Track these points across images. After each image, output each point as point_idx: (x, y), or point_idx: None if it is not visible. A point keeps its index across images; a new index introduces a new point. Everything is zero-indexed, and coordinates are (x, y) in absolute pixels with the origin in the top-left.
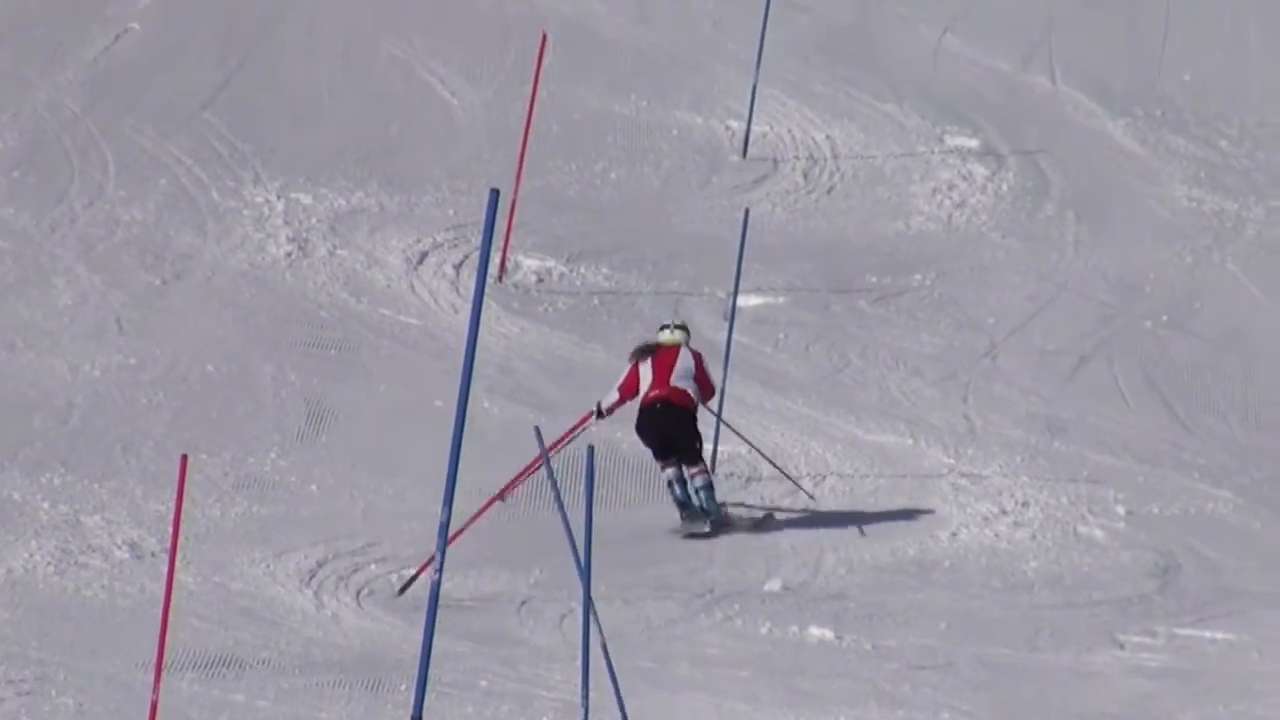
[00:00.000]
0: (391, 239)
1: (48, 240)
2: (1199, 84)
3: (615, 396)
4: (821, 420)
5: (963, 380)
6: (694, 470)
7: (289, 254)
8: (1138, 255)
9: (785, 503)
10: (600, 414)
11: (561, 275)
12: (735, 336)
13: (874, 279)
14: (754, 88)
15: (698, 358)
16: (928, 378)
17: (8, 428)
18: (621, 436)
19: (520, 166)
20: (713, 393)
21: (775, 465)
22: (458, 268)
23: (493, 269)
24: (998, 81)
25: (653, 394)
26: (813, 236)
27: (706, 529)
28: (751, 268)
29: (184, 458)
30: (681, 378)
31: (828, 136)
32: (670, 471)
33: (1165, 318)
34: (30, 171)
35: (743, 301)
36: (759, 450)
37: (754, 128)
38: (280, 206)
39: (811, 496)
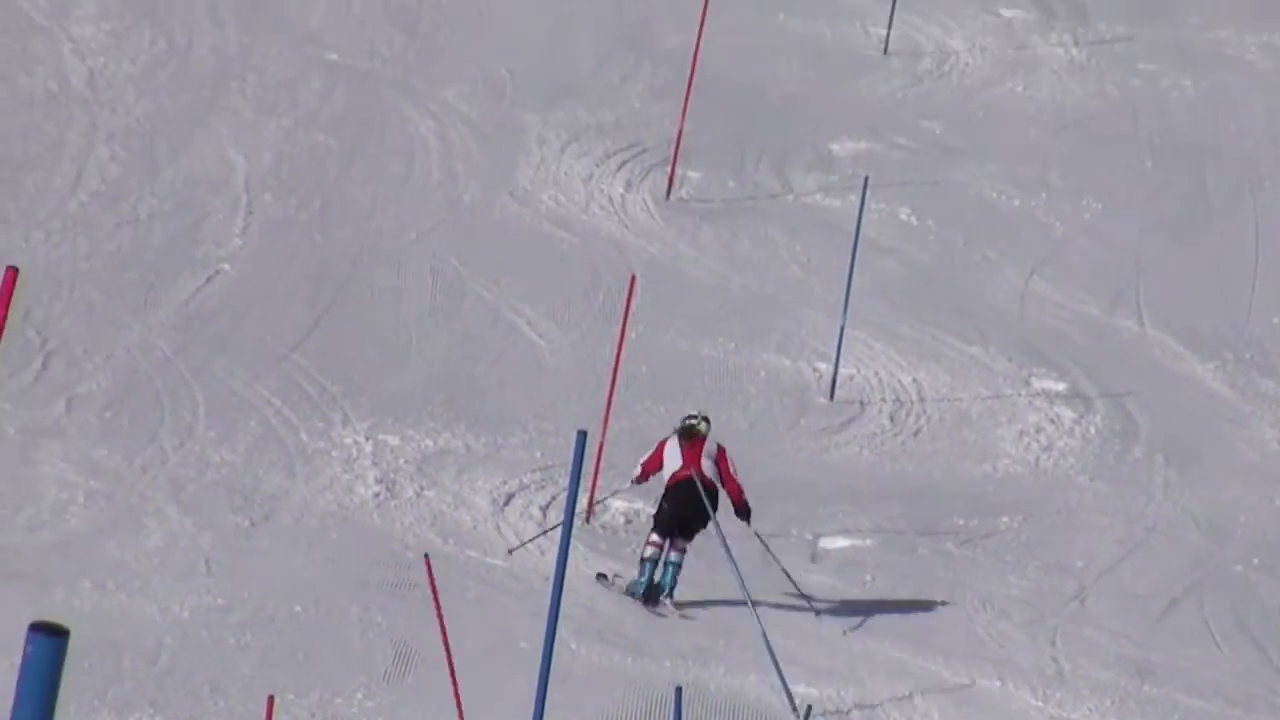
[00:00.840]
0: (479, 480)
1: (139, 481)
2: None
3: (638, 471)
4: (909, 663)
5: (1050, 623)
6: (684, 545)
7: (377, 495)
8: (1227, 498)
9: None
10: (635, 482)
11: (649, 518)
12: (822, 578)
13: (961, 521)
14: (841, 330)
15: (722, 451)
16: (1015, 620)
17: (97, 668)
18: (709, 677)
19: (608, 408)
20: (740, 495)
21: (778, 563)
22: (544, 509)
23: (580, 510)
24: (1085, 324)
25: (685, 472)
26: (900, 479)
27: (665, 606)
28: (839, 510)
29: (270, 699)
30: (708, 462)
31: (914, 379)
32: (650, 550)
33: (1256, 561)
34: (122, 412)
35: (829, 544)
36: (765, 544)
37: (841, 370)
38: (368, 448)
39: (815, 612)
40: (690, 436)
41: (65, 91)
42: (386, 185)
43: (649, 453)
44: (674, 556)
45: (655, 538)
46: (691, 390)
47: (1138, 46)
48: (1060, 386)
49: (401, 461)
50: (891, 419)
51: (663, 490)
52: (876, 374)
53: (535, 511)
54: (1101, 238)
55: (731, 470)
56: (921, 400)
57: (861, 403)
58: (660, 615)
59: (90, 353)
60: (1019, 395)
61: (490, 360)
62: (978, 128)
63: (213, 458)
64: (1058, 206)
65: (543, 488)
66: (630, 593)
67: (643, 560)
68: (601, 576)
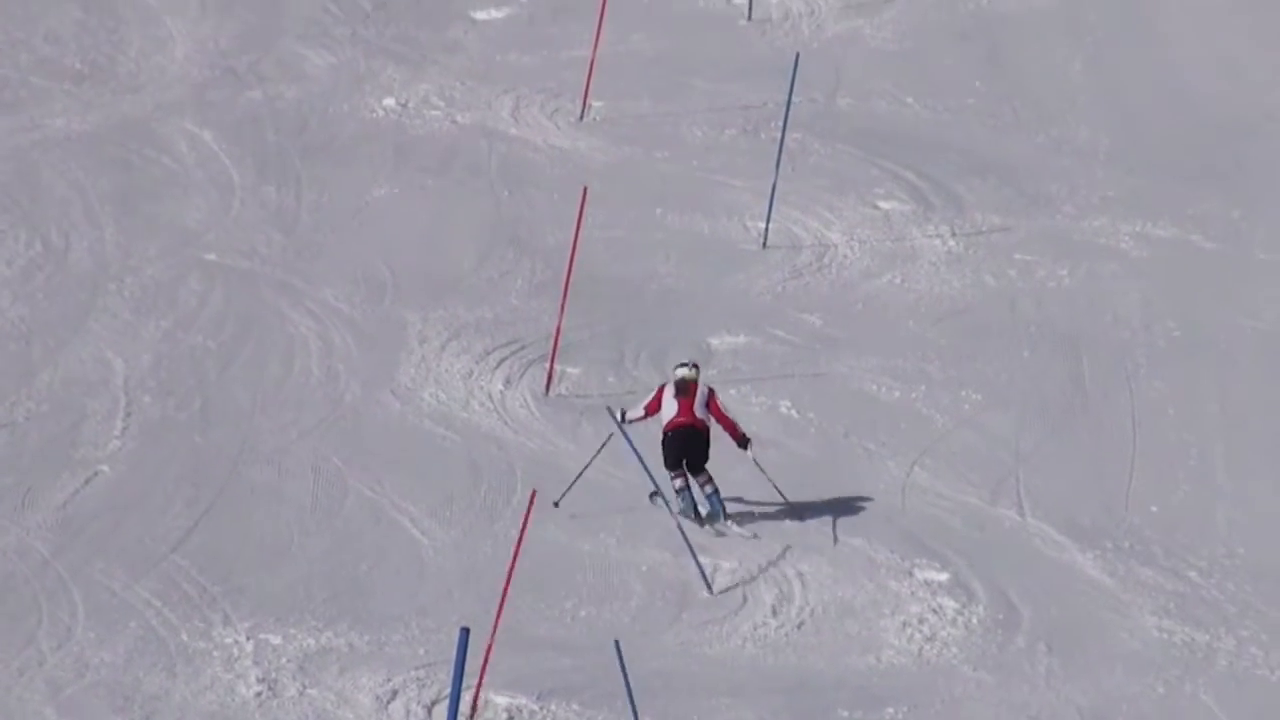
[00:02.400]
0: (362, 678)
1: (15, 684)
2: (1167, 516)
3: (640, 413)
4: None
5: None
6: (702, 479)
7: (259, 694)
8: (1110, 687)
9: None
10: (622, 420)
11: (532, 713)
12: None
13: (845, 713)
14: (724, 525)
15: (711, 392)
16: None
17: None
18: None
19: (500, 609)
20: (736, 429)
21: (772, 483)
22: (429, 707)
23: (464, 707)
24: (966, 514)
25: (682, 420)
26: (783, 671)
27: (722, 524)
28: (721, 703)
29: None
30: (700, 407)
31: (797, 571)
32: (679, 481)
33: None
34: None
35: None
36: (762, 469)
37: (723, 562)
38: (250, 647)
39: (785, 500)
40: (683, 387)
41: None
42: (267, 385)
43: (649, 397)
44: (708, 489)
45: (672, 473)
46: (573, 585)
47: (1014, 237)
48: (943, 577)
49: (283, 660)
50: (774, 611)
51: (662, 435)
52: (759, 565)
53: (419, 709)
54: (981, 428)
55: (722, 410)
56: (805, 591)
57: (744, 595)
58: (723, 534)
59: None
60: (902, 586)
61: (372, 558)
62: (857, 320)
63: (92, 659)
64: (937, 398)
65: (426, 685)
66: (684, 513)
67: (677, 491)
68: (654, 495)
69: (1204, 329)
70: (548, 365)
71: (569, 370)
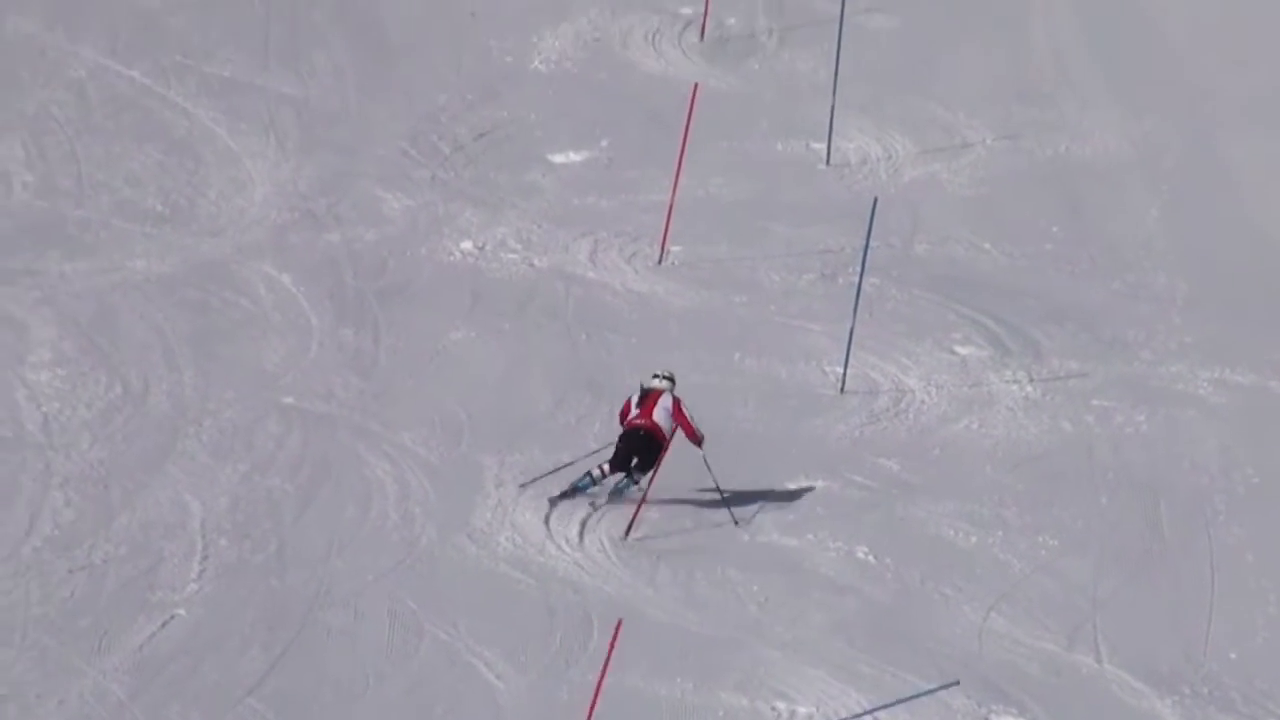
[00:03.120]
0: None
1: None
2: (1246, 663)
3: (619, 422)
4: None
5: None
6: (636, 479)
7: None
8: None
9: None
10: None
11: None
12: None
13: None
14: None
15: (676, 401)
16: None
17: None
18: None
19: None
20: (694, 432)
21: (720, 491)
22: None
23: None
24: (1043, 661)
25: (638, 420)
26: None
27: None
28: None
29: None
30: (661, 412)
31: (873, 719)
32: (610, 475)
33: None
34: None
35: None
36: (715, 480)
37: (799, 709)
38: None
39: (736, 522)
40: (647, 393)
41: (19, 436)
42: (343, 528)
43: (622, 406)
44: (623, 482)
45: (608, 468)
46: None
47: (1091, 383)
48: None
49: None
50: None
51: (621, 433)
52: (836, 712)
53: None
54: (1058, 574)
55: (685, 415)
56: None
57: None
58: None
59: (43, 698)
60: None
61: (448, 702)
62: (934, 465)
63: None
64: (1014, 543)
65: None
66: (576, 487)
67: (588, 474)
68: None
69: None
70: (628, 508)
71: (647, 515)
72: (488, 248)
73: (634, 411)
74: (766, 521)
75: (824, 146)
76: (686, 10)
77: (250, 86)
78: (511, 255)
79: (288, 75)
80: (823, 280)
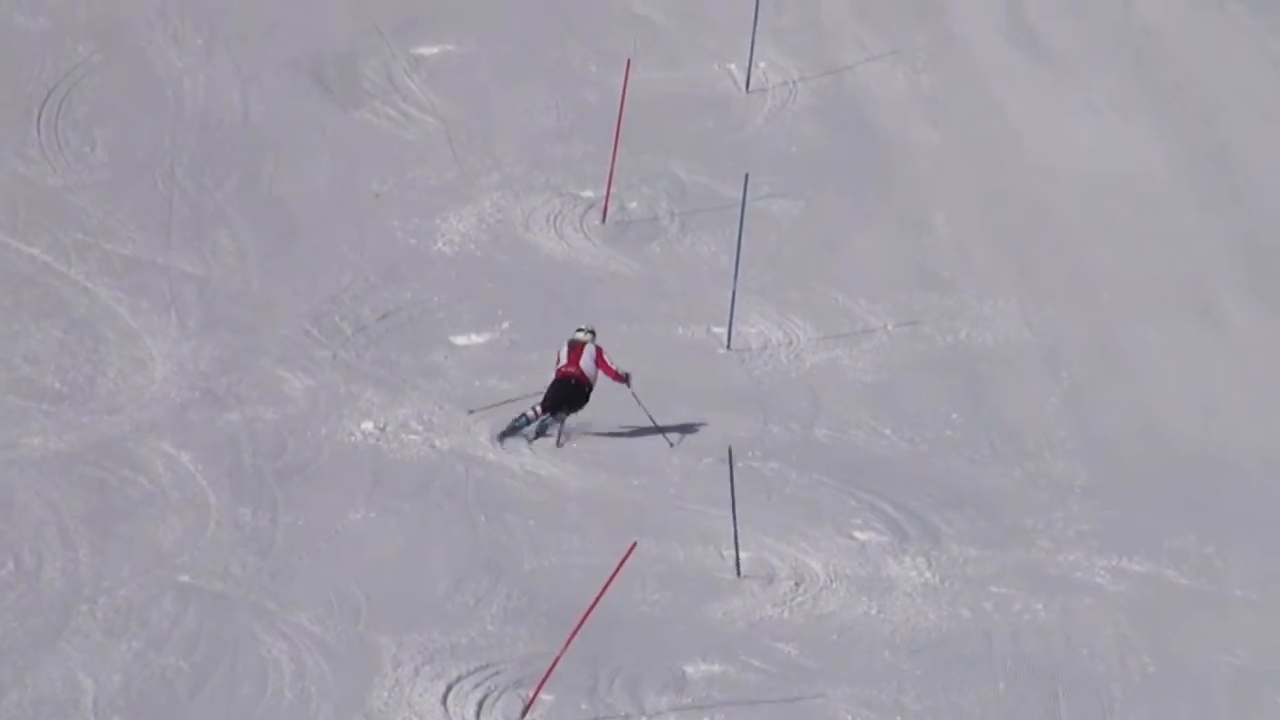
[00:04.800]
0: None
1: None
2: None
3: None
4: None
5: None
6: (562, 418)
7: None
8: None
9: None
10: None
11: None
12: None
13: None
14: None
15: (599, 350)
16: None
17: None
18: None
19: None
20: (617, 375)
21: (649, 415)
22: None
23: None
24: None
25: (567, 369)
26: None
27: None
28: None
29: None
30: (587, 360)
31: None
32: (544, 416)
33: None
34: None
35: None
36: (640, 403)
37: None
38: None
39: (671, 444)
40: (574, 344)
41: None
42: (238, 708)
43: (555, 357)
44: (551, 420)
45: (539, 409)
46: None
47: (990, 569)
48: None
49: None
50: None
51: (552, 380)
52: None
53: None
54: None
55: (607, 360)
56: None
57: None
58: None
59: None
60: None
61: None
62: (832, 649)
63: None
64: None
65: None
66: (513, 427)
67: (523, 414)
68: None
69: (1180, 665)
70: (521, 690)
71: (543, 696)
72: (389, 428)
73: (563, 357)
74: (662, 704)
75: (725, 331)
76: (589, 193)
77: (152, 265)
78: (413, 436)
79: (190, 254)
80: (722, 464)
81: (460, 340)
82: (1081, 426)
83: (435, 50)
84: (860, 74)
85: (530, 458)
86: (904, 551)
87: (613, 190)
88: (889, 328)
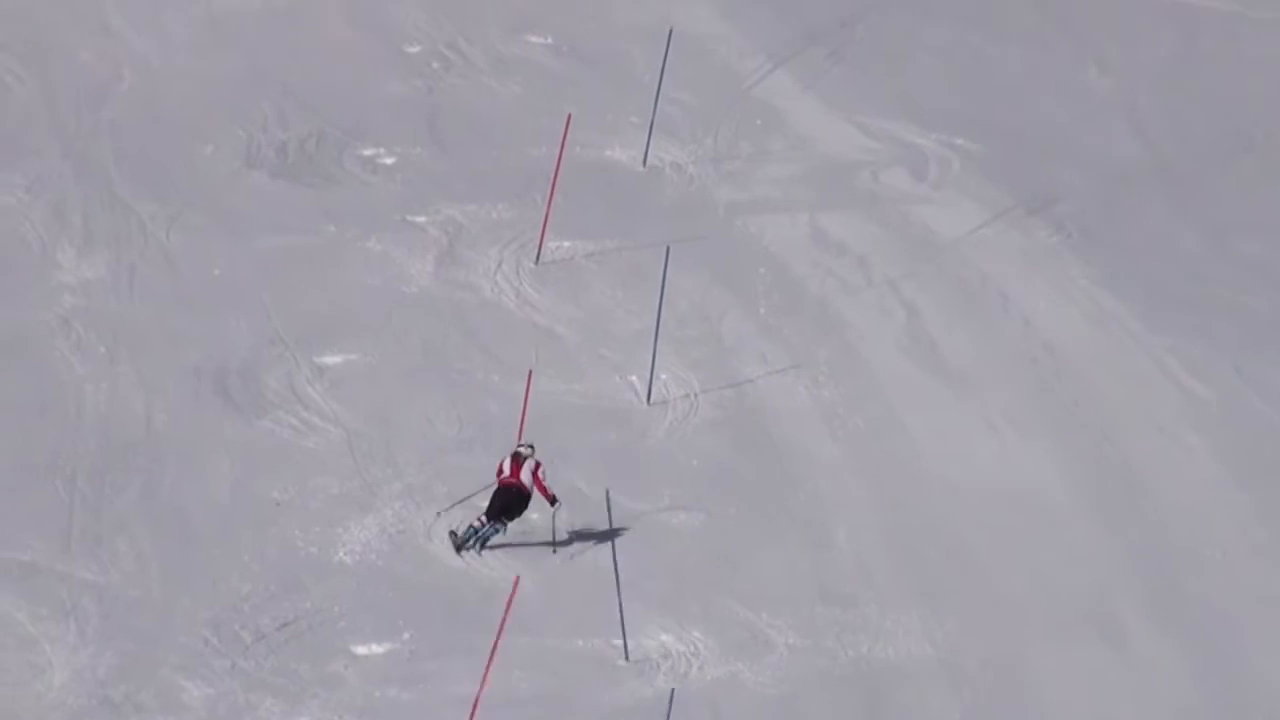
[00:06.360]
0: None
1: None
2: None
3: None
4: None
5: None
6: (502, 524)
7: None
8: None
9: None
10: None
11: None
12: None
13: None
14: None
15: (537, 464)
16: None
17: None
18: None
19: None
20: (547, 494)
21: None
22: None
23: None
24: None
25: (508, 480)
26: None
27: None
28: None
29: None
30: (526, 474)
31: None
32: (479, 525)
33: None
34: None
35: None
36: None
37: None
38: None
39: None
40: (515, 458)
41: None
42: None
43: (496, 466)
44: (493, 530)
45: (484, 518)
46: None
47: None
48: None
49: None
50: None
51: (494, 490)
52: None
53: None
54: None
55: (541, 479)
56: None
57: None
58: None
59: None
60: None
61: None
62: None
63: None
64: None
65: None
66: (462, 543)
67: (471, 526)
68: (451, 534)
69: None
70: None
71: None
72: None
73: (505, 473)
74: None
75: (622, 644)
76: None
77: (51, 571)
78: None
79: (90, 561)
80: None
81: (361, 650)
82: None
83: (338, 359)
84: (761, 387)
85: None
86: None
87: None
88: (790, 641)
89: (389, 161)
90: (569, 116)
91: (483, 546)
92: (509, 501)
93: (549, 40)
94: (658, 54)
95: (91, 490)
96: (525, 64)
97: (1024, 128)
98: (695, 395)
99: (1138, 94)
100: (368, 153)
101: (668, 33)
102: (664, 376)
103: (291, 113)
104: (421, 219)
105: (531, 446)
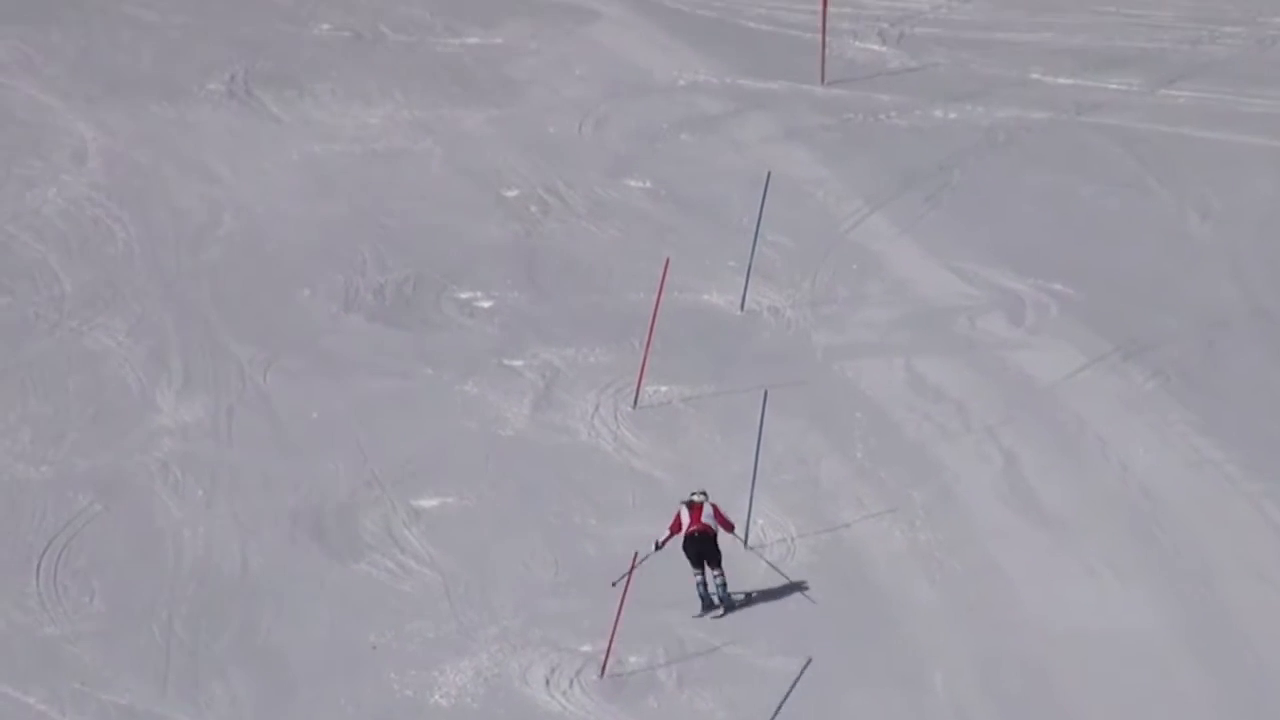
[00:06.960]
0: None
1: None
2: None
3: (667, 534)
4: None
5: None
6: (716, 573)
7: None
8: None
9: None
10: (658, 546)
11: None
12: None
13: None
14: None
15: (715, 507)
16: None
17: None
18: None
19: None
20: (731, 526)
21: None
22: None
23: None
24: None
25: (692, 528)
26: None
27: (721, 612)
28: None
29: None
30: (707, 518)
31: None
32: (699, 576)
33: None
34: None
35: None
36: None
37: None
38: None
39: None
40: (692, 505)
41: None
42: None
43: (671, 521)
44: (719, 580)
45: (694, 570)
46: None
47: None
48: None
49: None
50: None
51: (683, 540)
52: None
53: None
54: None
55: (723, 515)
56: None
57: None
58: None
59: None
60: None
61: None
62: None
63: None
64: None
65: None
66: (704, 608)
67: (697, 584)
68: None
69: None
70: None
71: None
72: None
73: (685, 520)
74: None
75: None
76: (587, 647)
77: (148, 715)
78: None
79: (186, 705)
80: None
81: None
82: None
83: (435, 503)
84: (858, 531)
85: None
86: None
87: (613, 645)
88: None
89: (486, 305)
90: (667, 261)
91: (728, 605)
92: (702, 548)
93: (647, 184)
94: (755, 198)
95: (188, 634)
96: (623, 208)
97: (1122, 273)
98: (792, 539)
99: (1238, 240)
100: (465, 296)
101: (766, 176)
102: (760, 521)
103: (389, 256)
104: (519, 363)
105: (704, 492)
